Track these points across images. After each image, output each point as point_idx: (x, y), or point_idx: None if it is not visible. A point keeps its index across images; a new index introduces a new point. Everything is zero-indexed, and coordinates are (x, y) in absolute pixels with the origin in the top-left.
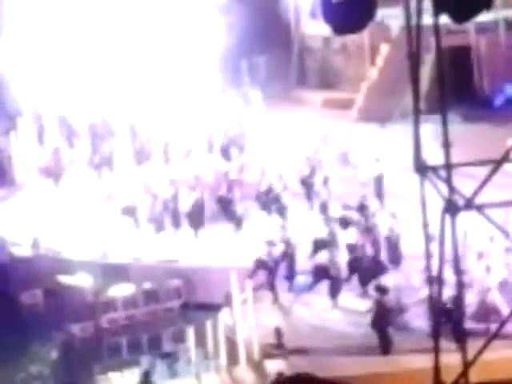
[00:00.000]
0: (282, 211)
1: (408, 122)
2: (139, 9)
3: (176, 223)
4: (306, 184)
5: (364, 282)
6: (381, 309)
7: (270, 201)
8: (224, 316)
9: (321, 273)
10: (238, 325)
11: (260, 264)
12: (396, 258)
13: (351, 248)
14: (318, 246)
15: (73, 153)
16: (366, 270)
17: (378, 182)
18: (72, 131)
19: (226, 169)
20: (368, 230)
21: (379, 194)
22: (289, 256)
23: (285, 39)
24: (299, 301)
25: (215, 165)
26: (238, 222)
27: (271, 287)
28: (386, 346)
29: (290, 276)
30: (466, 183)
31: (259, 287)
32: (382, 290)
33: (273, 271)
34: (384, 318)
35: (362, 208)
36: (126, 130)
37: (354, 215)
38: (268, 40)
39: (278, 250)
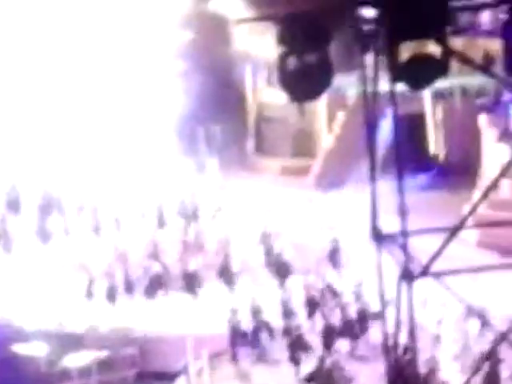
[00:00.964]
0: (234, 280)
1: (365, 189)
2: (95, 72)
3: (131, 292)
4: (266, 251)
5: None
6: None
7: (229, 271)
8: None
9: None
10: None
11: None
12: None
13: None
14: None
15: (20, 221)
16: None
17: (334, 249)
18: (19, 201)
19: (183, 237)
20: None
21: (335, 262)
22: (258, 324)
23: (242, 106)
24: (258, 367)
25: (171, 233)
26: (195, 289)
27: (234, 356)
28: None
29: (257, 343)
30: (422, 251)
31: (216, 355)
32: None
33: (238, 339)
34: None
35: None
36: (76, 199)
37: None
38: (225, 107)
39: (245, 317)
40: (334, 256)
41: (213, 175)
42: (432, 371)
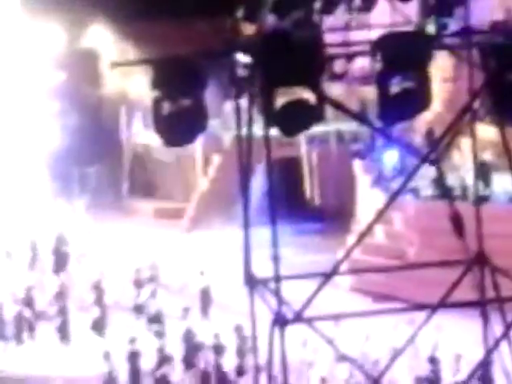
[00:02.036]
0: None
1: (239, 234)
2: None
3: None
4: (137, 296)
5: None
6: None
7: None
8: None
9: None
10: None
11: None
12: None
13: None
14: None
15: None
16: None
17: (205, 295)
18: None
19: (56, 280)
20: None
21: (205, 308)
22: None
23: (117, 148)
24: None
25: (43, 276)
26: (66, 333)
27: None
28: None
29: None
30: (297, 296)
31: None
32: None
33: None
34: None
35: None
36: None
37: None
38: (100, 148)
39: (119, 362)
40: (204, 301)
41: (81, 217)
42: None
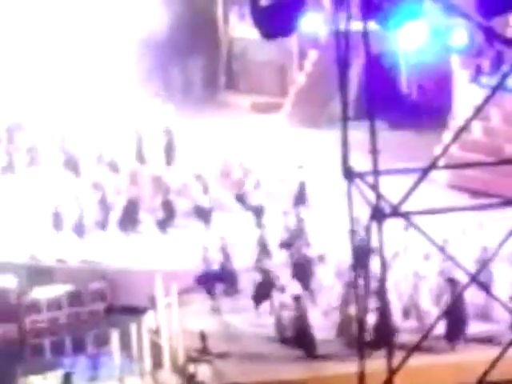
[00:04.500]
0: (207, 218)
1: (335, 129)
2: None
3: (102, 226)
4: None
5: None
6: (300, 311)
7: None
8: (149, 319)
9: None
10: (162, 328)
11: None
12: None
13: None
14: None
15: None
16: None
17: (301, 189)
18: None
19: (159, 172)
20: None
21: (301, 201)
22: (226, 264)
23: (215, 41)
24: (228, 305)
25: (147, 168)
26: (167, 225)
27: (209, 292)
28: (309, 349)
29: (229, 283)
30: (393, 191)
31: (185, 291)
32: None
33: (211, 277)
34: (304, 320)
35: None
36: (51, 134)
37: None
38: (198, 39)
39: (215, 256)
40: (301, 195)
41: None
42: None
